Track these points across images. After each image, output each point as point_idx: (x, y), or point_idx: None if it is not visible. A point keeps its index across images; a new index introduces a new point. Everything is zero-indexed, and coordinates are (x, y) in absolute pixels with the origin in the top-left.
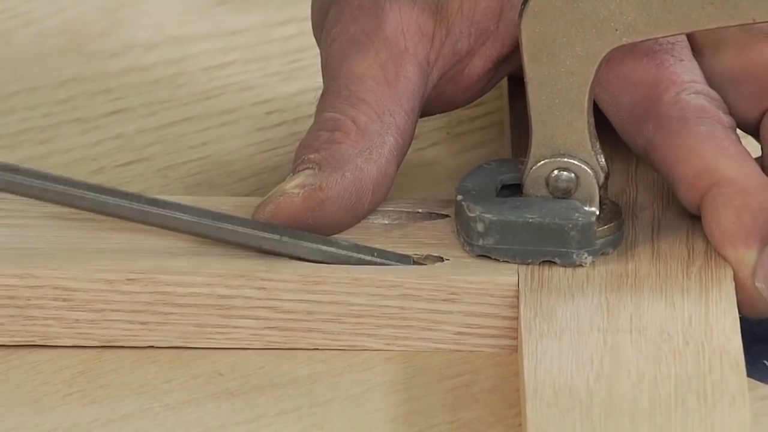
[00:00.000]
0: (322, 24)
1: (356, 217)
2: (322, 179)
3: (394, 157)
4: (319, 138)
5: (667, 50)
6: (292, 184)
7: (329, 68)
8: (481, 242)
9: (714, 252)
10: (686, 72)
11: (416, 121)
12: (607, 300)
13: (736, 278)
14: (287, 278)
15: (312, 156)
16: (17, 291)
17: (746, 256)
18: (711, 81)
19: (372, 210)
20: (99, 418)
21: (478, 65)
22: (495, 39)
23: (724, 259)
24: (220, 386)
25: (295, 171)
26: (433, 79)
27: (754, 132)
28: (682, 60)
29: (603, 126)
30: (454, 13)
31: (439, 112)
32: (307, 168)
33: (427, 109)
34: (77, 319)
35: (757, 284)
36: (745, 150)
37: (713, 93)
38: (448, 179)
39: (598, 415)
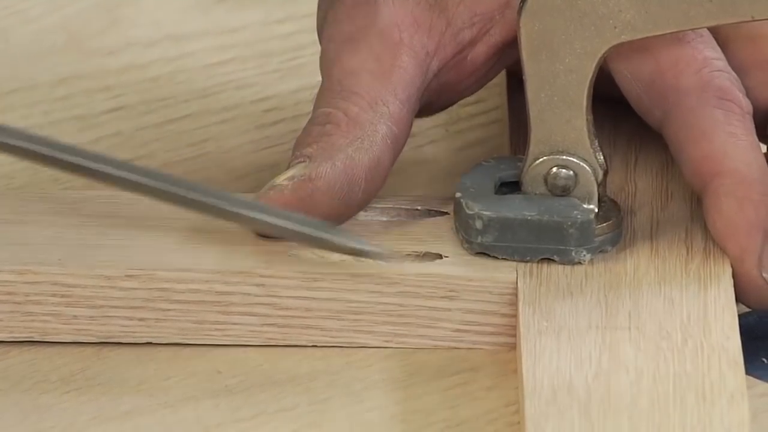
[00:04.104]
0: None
1: (351, 207)
2: (312, 170)
3: (387, 145)
4: (311, 133)
5: None
6: (282, 177)
7: (325, 68)
8: (479, 239)
9: (713, 249)
10: (708, 48)
11: (414, 110)
12: (605, 297)
13: (738, 270)
14: (286, 275)
15: (304, 150)
16: (16, 287)
17: (750, 247)
18: None
19: (367, 200)
20: (97, 415)
21: (482, 51)
22: (500, 26)
23: (725, 250)
24: (219, 384)
25: (288, 167)
26: (433, 69)
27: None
28: (701, 35)
29: (601, 124)
30: (455, 6)
31: (444, 106)
32: (300, 162)
33: (431, 101)
34: (76, 315)
35: (764, 275)
36: (756, 141)
37: (732, 72)
38: (447, 176)
39: (597, 412)
